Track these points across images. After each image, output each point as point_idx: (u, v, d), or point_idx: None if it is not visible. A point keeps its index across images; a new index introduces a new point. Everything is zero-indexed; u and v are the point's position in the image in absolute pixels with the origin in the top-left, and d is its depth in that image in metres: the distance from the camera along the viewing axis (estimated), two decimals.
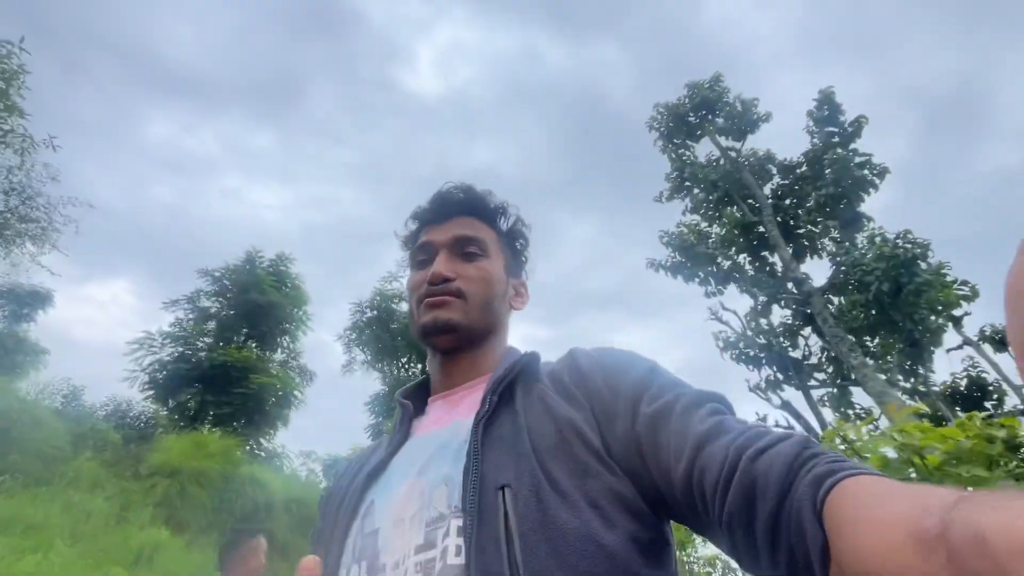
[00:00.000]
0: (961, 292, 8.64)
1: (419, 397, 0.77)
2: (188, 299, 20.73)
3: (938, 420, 8.63)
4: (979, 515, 0.27)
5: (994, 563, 0.25)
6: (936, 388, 9.22)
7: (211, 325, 20.42)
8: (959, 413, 9.40)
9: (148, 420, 8.53)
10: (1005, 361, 9.10)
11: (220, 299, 21.24)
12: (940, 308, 7.32)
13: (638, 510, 0.53)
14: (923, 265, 8.06)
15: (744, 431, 0.48)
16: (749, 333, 8.51)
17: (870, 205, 9.16)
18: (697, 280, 9.67)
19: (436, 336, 0.71)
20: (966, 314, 9.00)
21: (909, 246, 7.26)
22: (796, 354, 8.68)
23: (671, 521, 0.57)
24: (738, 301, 10.03)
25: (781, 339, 8.45)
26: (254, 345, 21.21)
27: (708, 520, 0.47)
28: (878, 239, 7.55)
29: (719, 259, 9.64)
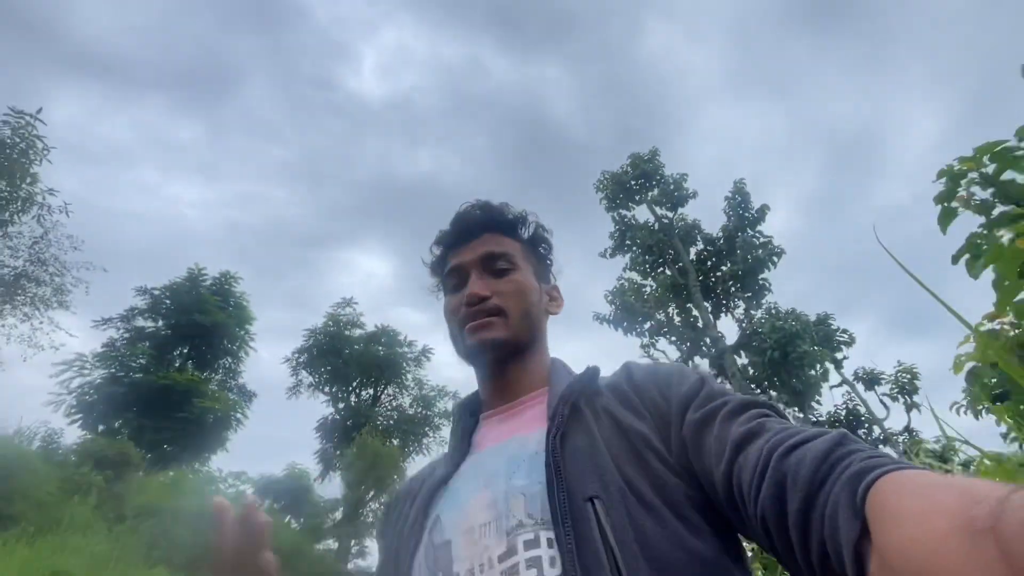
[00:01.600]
0: (841, 339, 11.02)
1: (473, 411, 0.78)
2: (122, 317, 19.97)
3: None
4: None
5: None
6: (823, 419, 11.42)
7: (145, 345, 19.70)
8: None
9: (120, 459, 8.78)
10: (872, 398, 11.50)
11: (156, 318, 20.59)
12: (817, 367, 9.50)
13: (715, 515, 0.53)
14: (812, 317, 10.31)
15: (781, 430, 0.48)
16: None
17: (775, 273, 11.37)
18: (635, 332, 11.46)
19: (484, 357, 0.74)
20: (845, 358, 11.35)
21: (793, 323, 9.43)
22: None
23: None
24: (668, 348, 12.00)
25: None
26: (191, 365, 20.75)
27: (746, 518, 0.47)
28: (773, 312, 9.74)
29: (654, 314, 11.49)
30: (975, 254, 1.70)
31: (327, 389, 20.94)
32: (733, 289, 11.53)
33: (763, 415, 0.52)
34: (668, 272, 12.35)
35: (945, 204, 1.91)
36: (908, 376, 11.13)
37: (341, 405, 21.21)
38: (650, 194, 13.36)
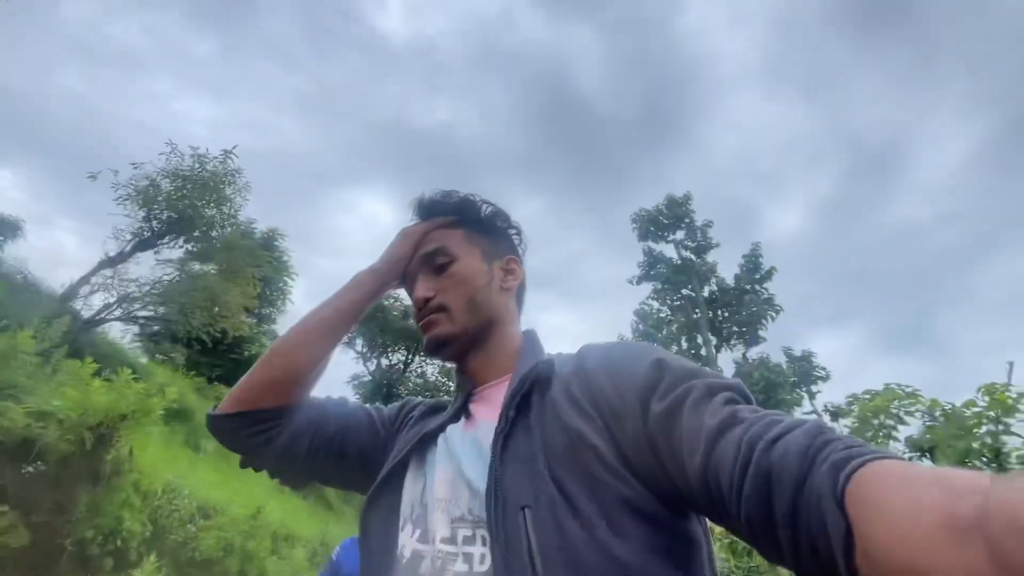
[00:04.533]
0: (819, 375, 13.67)
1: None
2: (179, 263, 22.04)
3: None
4: (1018, 499, 0.26)
5: None
6: None
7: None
8: None
9: None
10: (838, 427, 14.21)
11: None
12: (788, 407, 12.20)
13: (652, 515, 0.53)
14: (797, 352, 12.89)
15: (757, 420, 0.47)
16: None
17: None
18: None
19: (435, 353, 0.77)
20: (819, 391, 13.99)
21: (777, 375, 12.08)
22: None
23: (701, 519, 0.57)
24: None
25: None
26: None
27: (727, 514, 0.47)
28: (764, 360, 12.35)
29: (669, 344, 14.05)
30: None
31: (359, 349, 23.50)
32: (736, 331, 14.07)
33: (732, 400, 0.52)
34: (683, 304, 14.81)
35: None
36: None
37: (371, 366, 23.82)
38: (678, 232, 15.66)
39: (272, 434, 0.75)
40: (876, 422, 4.17)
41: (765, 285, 14.03)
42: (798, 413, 12.96)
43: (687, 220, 15.53)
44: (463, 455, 0.66)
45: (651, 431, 0.54)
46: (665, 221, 15.67)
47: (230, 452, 0.78)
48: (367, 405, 0.87)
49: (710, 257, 15.45)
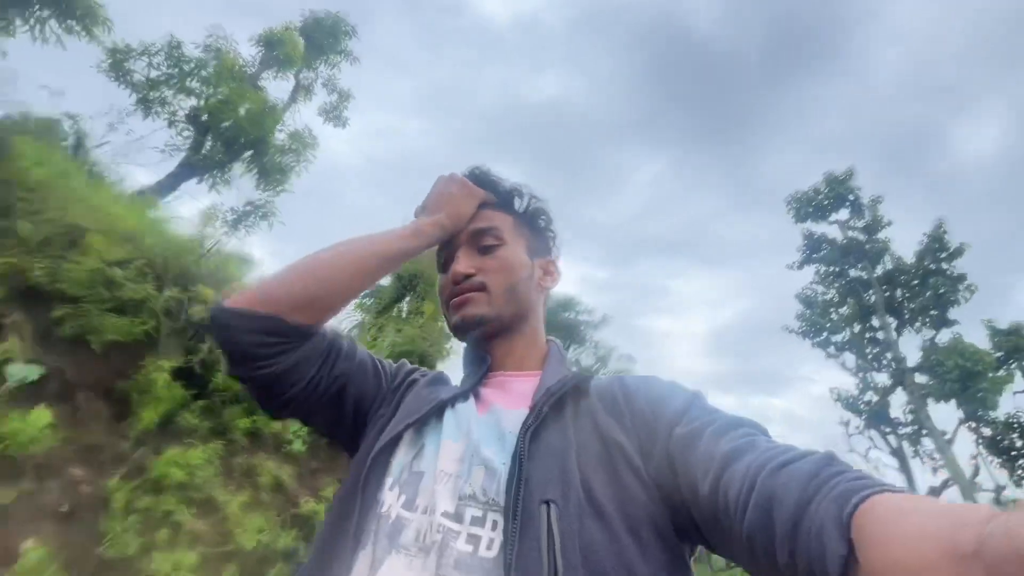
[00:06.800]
0: None
1: (484, 360, 0.78)
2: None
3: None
4: (1018, 529, 0.26)
5: None
6: (1001, 420, 12.03)
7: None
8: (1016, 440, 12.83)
9: None
10: None
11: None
12: (991, 393, 11.24)
13: (670, 540, 0.54)
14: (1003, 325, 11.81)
15: (770, 448, 0.49)
16: (859, 393, 12.80)
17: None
18: (820, 346, 13.89)
19: (465, 332, 0.76)
20: None
21: (970, 362, 11.22)
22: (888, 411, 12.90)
23: (695, 549, 0.59)
24: (849, 359, 13.76)
25: (884, 398, 12.61)
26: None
27: (731, 537, 0.48)
28: (957, 346, 11.46)
29: (840, 334, 13.79)
30: None
31: None
32: (919, 313, 13.26)
33: (750, 434, 0.54)
34: (854, 287, 14.30)
35: None
36: None
37: None
38: (841, 212, 15.02)
39: (286, 349, 0.70)
40: None
41: (954, 263, 12.87)
42: (1007, 394, 11.73)
43: (851, 198, 14.81)
44: (481, 437, 0.64)
45: (672, 449, 0.57)
46: (825, 202, 15.14)
47: None
48: (372, 353, 0.84)
49: (882, 235, 14.58)
